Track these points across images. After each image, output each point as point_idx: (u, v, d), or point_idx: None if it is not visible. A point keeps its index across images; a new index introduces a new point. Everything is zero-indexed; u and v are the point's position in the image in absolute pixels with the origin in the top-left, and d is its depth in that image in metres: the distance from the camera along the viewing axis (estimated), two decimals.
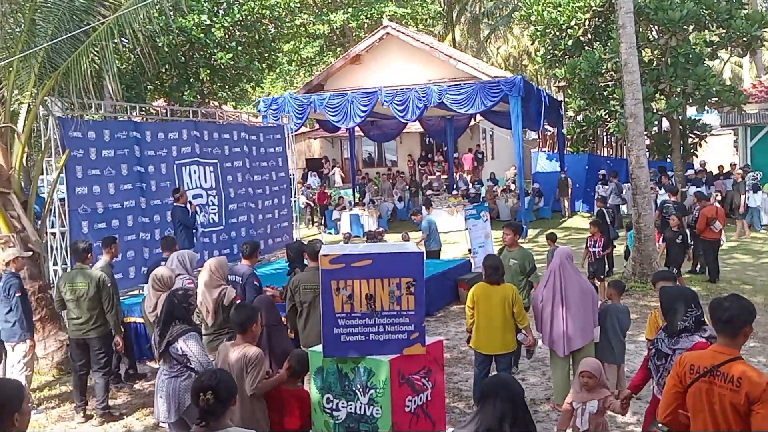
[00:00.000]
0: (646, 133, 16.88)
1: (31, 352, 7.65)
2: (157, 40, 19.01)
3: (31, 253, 8.63)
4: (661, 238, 13.48)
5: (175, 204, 11.13)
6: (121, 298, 8.90)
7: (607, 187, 19.92)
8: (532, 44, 28.80)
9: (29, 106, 9.24)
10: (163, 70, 20.78)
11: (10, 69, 8.74)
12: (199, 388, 3.56)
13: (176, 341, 5.35)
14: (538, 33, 22.11)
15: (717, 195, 16.17)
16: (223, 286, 6.86)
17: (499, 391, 3.29)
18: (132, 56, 18.78)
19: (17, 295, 7.45)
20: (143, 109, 14.37)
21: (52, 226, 10.11)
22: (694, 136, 21.66)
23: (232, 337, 5.79)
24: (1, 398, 2.99)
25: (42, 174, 10.17)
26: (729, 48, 20.51)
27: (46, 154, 9.99)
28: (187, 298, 5.60)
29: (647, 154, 15.45)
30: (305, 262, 7.21)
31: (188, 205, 11.24)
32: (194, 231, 11.67)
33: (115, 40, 9.48)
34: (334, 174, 28.85)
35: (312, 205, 23.74)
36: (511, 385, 3.34)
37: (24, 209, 8.82)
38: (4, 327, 7.44)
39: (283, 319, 7.48)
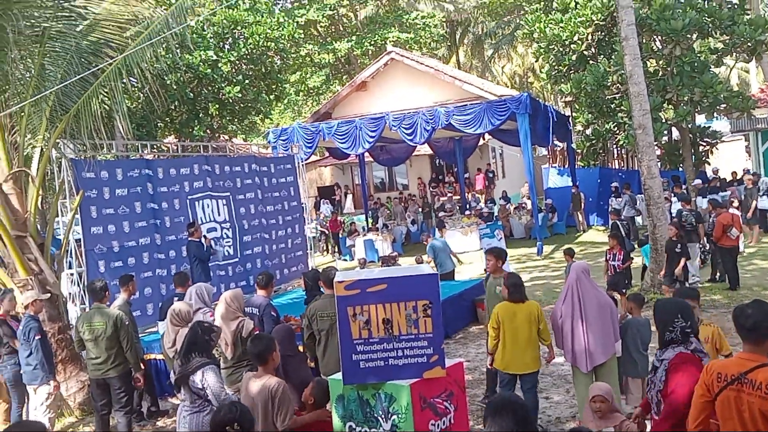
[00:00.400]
0: (656, 143, 16.82)
1: (54, 394, 7.68)
2: (165, 78, 19.24)
3: (49, 295, 8.69)
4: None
5: (190, 239, 11.19)
6: (140, 335, 8.92)
7: (620, 199, 19.81)
8: (536, 61, 28.96)
9: (42, 149, 9.37)
10: (173, 107, 21.00)
11: (22, 114, 8.88)
12: (222, 422, 3.53)
13: (194, 374, 5.34)
14: (542, 50, 22.21)
15: (734, 201, 16.03)
16: (241, 318, 6.86)
17: (503, 410, 3.25)
18: (141, 95, 19.00)
19: (37, 338, 7.50)
20: (154, 146, 14.50)
21: (69, 267, 10.17)
22: (704, 144, 21.56)
23: (252, 368, 5.77)
24: None
25: (57, 216, 10.27)
26: (734, 54, 20.48)
27: (61, 196, 10.09)
28: (210, 332, 5.59)
29: (658, 164, 15.37)
30: (321, 290, 7.21)
31: (203, 240, 11.29)
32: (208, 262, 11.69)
33: (124, 80, 9.63)
34: (346, 201, 28.92)
35: (326, 232, 23.75)
36: (516, 403, 3.29)
37: (41, 252, 8.90)
38: (25, 370, 7.48)
39: (301, 348, 7.48)
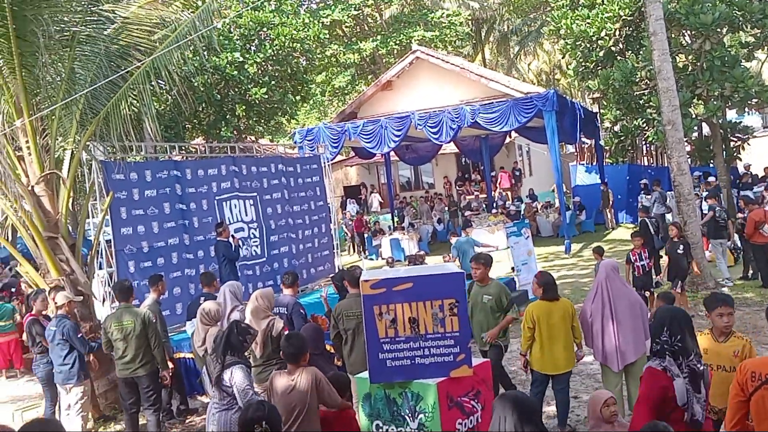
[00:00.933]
0: (686, 139, 16.58)
1: (87, 393, 7.81)
2: (193, 80, 19.46)
3: (81, 297, 8.83)
4: (709, 246, 13.17)
5: (218, 239, 11.28)
6: (169, 334, 9.02)
7: (649, 196, 19.56)
8: (563, 58, 28.71)
9: (72, 152, 9.52)
10: (200, 109, 21.22)
11: (53, 117, 9.03)
12: (251, 420, 3.56)
13: (224, 372, 5.40)
14: (569, 46, 22.01)
15: (766, 197, 15.75)
16: (271, 317, 6.91)
17: (510, 405, 3.24)
18: (169, 97, 19.24)
19: (79, 336, 7.65)
20: (183, 147, 14.67)
21: (100, 268, 10.32)
22: (736, 140, 21.19)
23: (281, 367, 5.81)
24: None
25: (88, 217, 10.42)
26: (766, 48, 20.10)
27: (91, 198, 10.24)
28: (246, 334, 5.64)
29: (689, 160, 15.16)
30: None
31: (231, 239, 11.38)
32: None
33: (152, 83, 9.72)
34: (372, 200, 28.96)
35: (348, 234, 23.74)
36: (524, 401, 3.29)
37: (72, 252, 9.04)
38: (61, 369, 7.59)
39: (329, 347, 7.51)
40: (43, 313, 8.75)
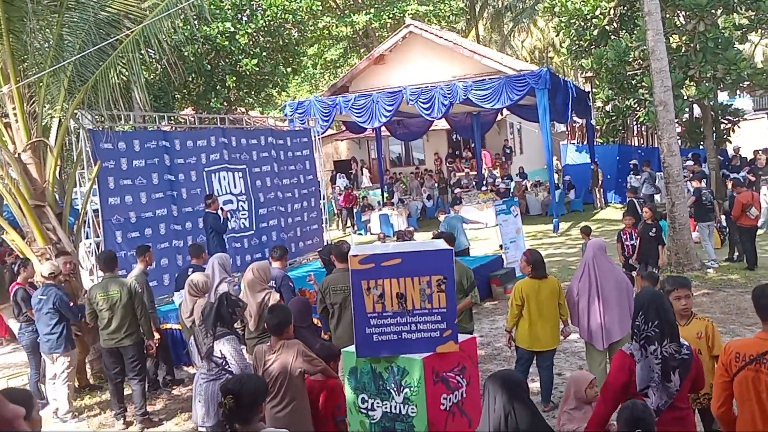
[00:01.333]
0: (676, 120, 16.60)
1: (73, 362, 7.81)
2: (183, 50, 19.24)
3: (69, 263, 8.79)
4: (696, 228, 13.27)
5: (207, 210, 11.24)
6: (157, 305, 9.01)
7: (639, 177, 19.64)
8: (557, 36, 28.60)
9: (60, 119, 9.41)
10: (190, 79, 21.02)
11: (41, 84, 8.91)
12: (223, 391, 3.61)
13: (215, 343, 5.44)
14: (563, 24, 21.92)
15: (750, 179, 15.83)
16: (267, 290, 6.92)
17: (498, 387, 3.28)
18: (159, 66, 19.03)
19: (71, 304, 7.63)
20: (172, 118, 14.55)
21: (87, 237, 10.27)
22: (726, 122, 21.25)
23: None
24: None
25: (75, 186, 10.34)
26: (759, 30, 20.09)
27: (79, 167, 10.15)
28: (235, 306, 5.67)
29: (679, 141, 15.18)
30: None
31: (220, 212, 11.34)
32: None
33: (142, 52, 9.60)
34: (362, 175, 28.89)
35: (339, 209, 23.63)
36: (514, 380, 3.36)
37: (59, 221, 8.98)
38: (49, 339, 7.58)
39: (316, 321, 7.55)
40: (29, 281, 8.71)
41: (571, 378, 5.15)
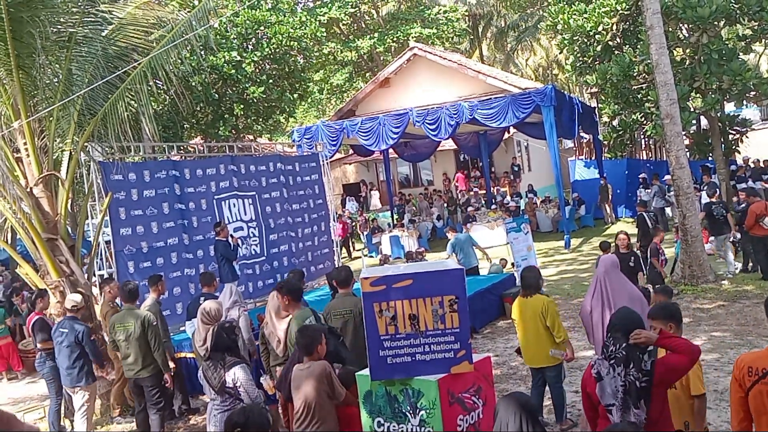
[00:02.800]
0: (684, 132, 16.58)
1: (94, 396, 7.84)
2: (190, 80, 19.42)
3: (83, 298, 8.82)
4: (709, 240, 13.19)
5: (217, 238, 11.28)
6: (170, 334, 9.02)
7: (648, 190, 19.57)
8: (560, 53, 28.69)
9: (71, 153, 9.51)
10: (198, 108, 21.19)
11: (51, 118, 9.02)
12: (231, 425, 3.60)
13: (227, 373, 5.44)
14: (566, 41, 21.98)
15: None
16: (291, 315, 6.94)
17: (511, 409, 3.26)
18: (167, 97, 19.21)
19: (92, 339, 7.67)
20: (181, 147, 14.65)
21: (100, 269, 10.32)
22: (734, 132, 21.19)
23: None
24: None
25: (87, 218, 10.41)
26: (763, 40, 20.09)
27: (90, 199, 10.23)
28: (232, 331, 5.68)
29: (687, 153, 15.16)
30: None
31: (230, 239, 11.38)
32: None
33: (150, 83, 9.70)
34: (371, 197, 28.95)
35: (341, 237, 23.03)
36: (521, 402, 3.32)
37: (72, 254, 9.03)
38: (70, 373, 7.59)
39: None
40: (45, 312, 8.74)
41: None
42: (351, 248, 22.66)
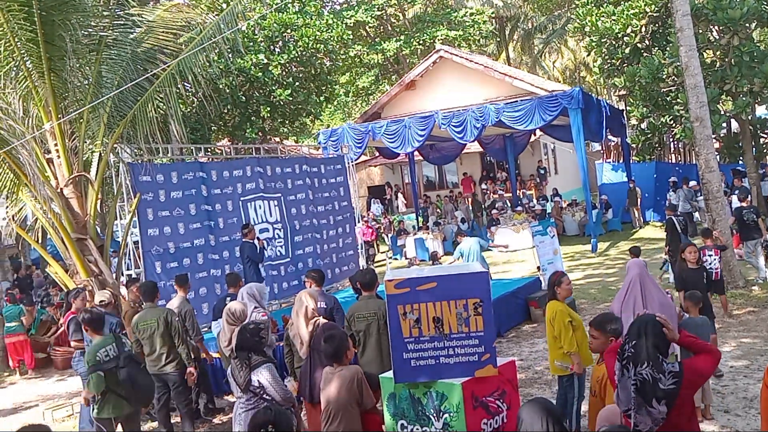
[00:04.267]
0: (714, 136, 16.34)
1: None
2: (218, 82, 19.60)
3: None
4: (740, 245, 12.97)
5: (244, 240, 11.37)
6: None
7: (676, 194, 19.32)
8: (588, 55, 28.45)
9: (100, 154, 9.66)
10: (225, 111, 21.36)
11: (81, 120, 9.17)
12: (259, 423, 3.60)
13: (252, 373, 5.47)
14: (594, 43, 21.80)
15: None
16: (317, 317, 6.96)
17: (536, 415, 3.22)
18: (195, 99, 19.40)
19: (124, 332, 7.77)
20: (208, 149, 14.80)
21: (128, 269, 10.45)
22: (765, 136, 20.82)
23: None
24: None
25: (116, 218, 10.56)
26: None
27: (119, 199, 10.37)
28: (258, 332, 5.70)
29: (717, 157, 14.92)
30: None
31: (256, 241, 11.46)
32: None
33: (178, 85, 9.83)
34: (396, 200, 28.96)
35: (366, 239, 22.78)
36: (544, 408, 3.26)
37: (100, 253, 9.17)
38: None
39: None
40: (81, 311, 8.83)
41: (604, 413, 4.51)
42: (376, 250, 22.39)
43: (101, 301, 7.93)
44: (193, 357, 7.97)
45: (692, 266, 8.61)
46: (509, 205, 24.06)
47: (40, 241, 10.24)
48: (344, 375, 4.96)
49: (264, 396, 5.46)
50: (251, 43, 21.08)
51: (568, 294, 6.39)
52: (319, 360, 5.81)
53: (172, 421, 7.89)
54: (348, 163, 16.59)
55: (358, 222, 16.94)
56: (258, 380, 5.45)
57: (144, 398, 6.72)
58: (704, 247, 10.05)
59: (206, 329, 10.52)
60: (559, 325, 6.12)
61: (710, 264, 9.75)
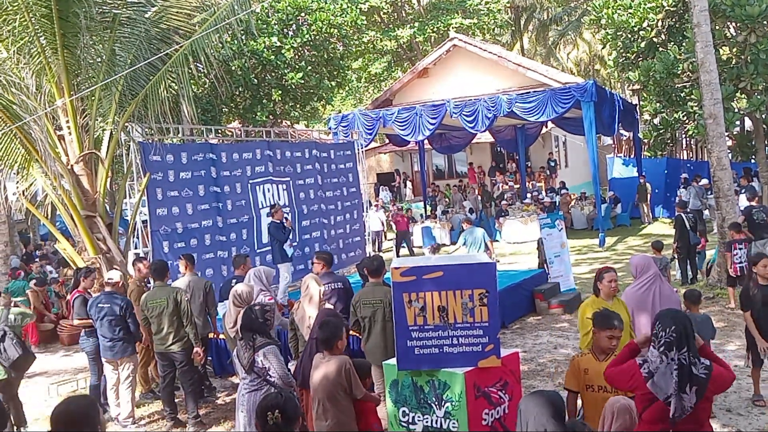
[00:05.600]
0: (727, 133, 16.21)
1: (137, 367, 8.03)
2: (230, 64, 19.58)
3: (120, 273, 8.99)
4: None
5: (271, 220, 11.44)
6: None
7: (686, 190, 19.22)
8: (603, 48, 28.23)
9: (111, 132, 9.67)
10: (237, 93, 21.36)
11: (93, 98, 9.18)
12: (266, 407, 3.58)
13: (256, 354, 5.50)
14: (609, 36, 21.62)
15: None
16: (323, 302, 7.01)
17: (532, 410, 3.21)
18: (207, 80, 19.40)
19: (134, 311, 7.83)
20: (219, 131, 14.80)
21: (136, 247, 10.49)
22: None
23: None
24: (80, 415, 3.10)
25: (125, 197, 10.60)
26: None
27: (129, 178, 10.40)
28: (264, 314, 5.73)
29: (729, 155, 14.81)
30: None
31: (284, 221, 11.51)
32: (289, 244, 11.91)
33: (190, 66, 9.81)
34: (405, 188, 28.93)
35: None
36: (546, 401, 3.25)
37: (109, 231, 9.21)
38: (114, 345, 7.74)
39: (354, 332, 7.64)
40: (89, 290, 8.89)
41: (612, 406, 4.18)
42: (411, 244, 19.76)
43: (109, 279, 7.98)
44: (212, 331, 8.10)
45: (765, 282, 6.93)
46: (517, 196, 24.02)
47: (49, 217, 10.28)
48: (331, 364, 4.93)
49: (267, 377, 5.49)
50: (264, 26, 21.03)
51: (609, 292, 5.74)
52: (317, 347, 5.85)
53: (176, 400, 7.96)
54: (358, 149, 16.57)
55: (368, 209, 16.92)
56: (261, 362, 5.48)
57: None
58: (734, 241, 10.19)
59: None
60: (580, 321, 5.70)
61: (740, 258, 9.86)
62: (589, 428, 3.38)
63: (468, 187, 26.07)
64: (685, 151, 28.42)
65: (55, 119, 9.41)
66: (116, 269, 8.85)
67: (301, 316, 6.89)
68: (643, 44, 20.88)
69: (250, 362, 5.52)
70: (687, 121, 20.23)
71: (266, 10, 21.33)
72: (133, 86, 9.72)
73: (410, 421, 4.83)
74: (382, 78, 35.21)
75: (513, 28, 40.74)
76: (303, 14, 22.06)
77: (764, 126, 19.55)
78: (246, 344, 5.57)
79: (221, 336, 9.15)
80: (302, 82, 21.48)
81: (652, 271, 6.26)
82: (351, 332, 8.00)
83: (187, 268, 8.64)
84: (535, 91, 18.31)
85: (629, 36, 20.98)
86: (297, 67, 21.41)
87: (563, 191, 23.71)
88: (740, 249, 10.10)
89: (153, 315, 7.56)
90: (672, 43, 20.10)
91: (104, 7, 9.49)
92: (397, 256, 18.33)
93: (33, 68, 9.13)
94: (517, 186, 25.42)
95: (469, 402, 4.57)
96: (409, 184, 29.26)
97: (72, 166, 9.12)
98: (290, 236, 11.74)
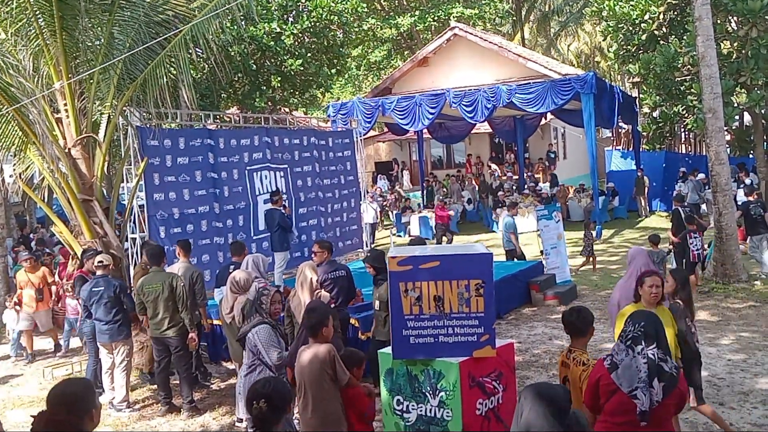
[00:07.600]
0: (726, 128, 16.22)
1: (132, 351, 8.06)
2: (230, 49, 19.47)
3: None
4: (747, 239, 12.93)
5: (272, 206, 11.42)
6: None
7: (684, 184, 19.25)
8: (604, 40, 28.20)
9: (109, 116, 9.63)
10: (236, 79, 21.26)
11: (91, 81, 9.13)
12: (253, 396, 3.57)
13: (249, 332, 5.57)
14: (610, 28, 21.58)
15: None
16: (318, 290, 7.03)
17: (530, 401, 3.19)
18: (206, 66, 19.29)
19: (129, 292, 7.83)
20: (217, 116, 14.73)
21: (132, 232, 10.49)
22: None
23: None
24: (75, 397, 3.11)
25: (122, 181, 10.57)
26: None
27: (126, 163, 10.37)
28: (261, 296, 5.83)
29: (728, 150, 14.82)
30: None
31: (284, 209, 11.49)
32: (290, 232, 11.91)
33: (190, 51, 9.76)
34: (402, 177, 28.90)
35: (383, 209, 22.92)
36: (545, 393, 3.23)
37: (106, 216, 9.19)
38: (110, 328, 7.74)
39: (353, 321, 7.64)
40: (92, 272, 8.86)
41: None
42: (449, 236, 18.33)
43: (99, 262, 7.95)
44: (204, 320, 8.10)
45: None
46: (515, 187, 24.01)
47: (46, 200, 10.24)
48: (314, 352, 4.88)
49: (260, 357, 5.55)
50: (265, 11, 20.91)
51: (650, 299, 5.22)
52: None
53: (171, 384, 7.97)
54: (356, 137, 16.54)
55: (363, 199, 16.89)
56: (252, 338, 5.55)
57: None
58: (689, 231, 11.37)
59: (209, 296, 10.59)
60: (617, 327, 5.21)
61: (696, 246, 11.15)
62: (586, 425, 3.37)
63: (466, 178, 26.05)
64: (683, 145, 28.45)
65: (52, 102, 9.37)
66: (112, 254, 8.84)
67: (296, 303, 6.90)
68: (644, 37, 20.85)
69: (243, 334, 5.62)
70: (686, 115, 20.26)
71: None
72: (132, 70, 9.66)
73: (404, 409, 4.84)
74: (381, 66, 35.06)
75: (514, 18, 40.56)
76: (303, 1, 21.95)
77: (763, 121, 19.57)
78: (245, 320, 5.69)
79: (215, 322, 9.15)
80: (301, 69, 21.39)
81: (638, 263, 6.26)
82: (351, 322, 8.05)
83: (181, 254, 8.63)
84: (535, 82, 18.28)
85: (630, 28, 20.95)
86: (296, 53, 21.32)
87: (557, 186, 23.70)
88: (695, 238, 11.27)
89: (149, 300, 7.56)
90: (673, 36, 20.07)
91: None
92: None
93: (31, 50, 9.08)
94: (516, 177, 25.42)
95: (463, 391, 4.58)
96: (406, 173, 29.22)
97: (69, 149, 9.08)
98: (292, 223, 11.76)
